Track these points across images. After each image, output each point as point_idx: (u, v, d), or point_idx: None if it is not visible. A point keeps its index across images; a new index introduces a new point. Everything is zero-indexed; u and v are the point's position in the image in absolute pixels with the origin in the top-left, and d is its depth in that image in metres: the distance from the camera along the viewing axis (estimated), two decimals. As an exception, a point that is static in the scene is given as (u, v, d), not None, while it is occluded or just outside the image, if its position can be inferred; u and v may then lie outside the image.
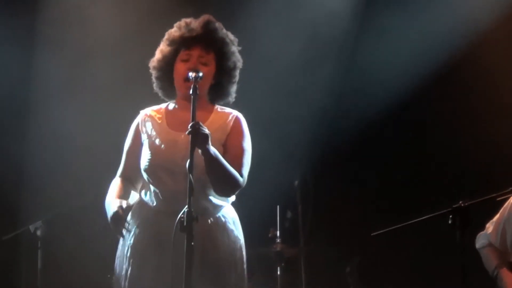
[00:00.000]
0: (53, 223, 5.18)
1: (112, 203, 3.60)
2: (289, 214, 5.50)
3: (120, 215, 3.50)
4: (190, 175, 3.13)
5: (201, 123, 3.31)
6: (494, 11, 5.79)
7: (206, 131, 3.30)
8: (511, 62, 5.80)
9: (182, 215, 3.11)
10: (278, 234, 5.39)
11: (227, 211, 3.66)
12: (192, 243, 3.11)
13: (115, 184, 3.75)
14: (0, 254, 5.67)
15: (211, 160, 3.36)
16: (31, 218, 5.24)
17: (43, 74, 5.97)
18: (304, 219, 5.46)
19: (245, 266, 3.67)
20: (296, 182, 5.48)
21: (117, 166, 3.77)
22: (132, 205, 3.68)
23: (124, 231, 3.55)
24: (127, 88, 5.33)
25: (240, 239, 3.68)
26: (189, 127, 3.23)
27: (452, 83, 6.00)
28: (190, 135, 3.24)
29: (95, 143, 5.54)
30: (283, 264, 5.31)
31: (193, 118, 3.26)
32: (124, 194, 3.69)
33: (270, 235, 5.38)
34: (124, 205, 3.57)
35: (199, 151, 3.29)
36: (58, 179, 5.77)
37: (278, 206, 5.41)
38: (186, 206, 3.11)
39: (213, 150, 3.37)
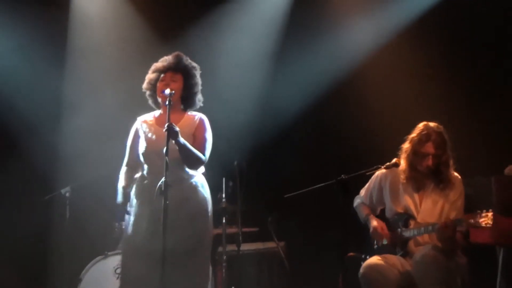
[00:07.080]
0: (78, 189, 5.70)
1: (120, 192, 4.07)
2: (230, 183, 5.93)
3: (123, 207, 4.03)
4: (166, 157, 3.77)
5: (173, 124, 3.89)
6: (370, 45, 6.56)
7: (177, 128, 3.89)
8: (380, 86, 6.47)
9: (161, 183, 3.72)
10: (223, 196, 5.89)
11: (198, 178, 4.17)
12: (168, 202, 3.69)
13: (123, 173, 4.19)
14: (41, 210, 6.17)
15: (181, 146, 3.96)
16: (62, 184, 5.79)
17: (75, 79, 6.52)
18: (241, 187, 5.75)
19: (210, 215, 4.18)
20: (235, 162, 5.80)
21: (123, 151, 4.31)
22: (135, 180, 4.17)
23: (128, 208, 4.07)
24: (131, 98, 5.22)
25: (207, 197, 4.18)
26: (165, 126, 3.87)
27: (343, 95, 6.63)
28: (166, 131, 3.86)
29: (112, 132, 5.53)
30: (226, 216, 5.84)
31: (168, 120, 3.91)
32: (129, 181, 4.15)
33: (218, 196, 5.83)
34: (125, 195, 4.04)
35: (173, 141, 3.90)
36: (82, 158, 6.19)
37: (223, 178, 5.92)
38: (164, 177, 3.72)
39: (182, 140, 3.92)
